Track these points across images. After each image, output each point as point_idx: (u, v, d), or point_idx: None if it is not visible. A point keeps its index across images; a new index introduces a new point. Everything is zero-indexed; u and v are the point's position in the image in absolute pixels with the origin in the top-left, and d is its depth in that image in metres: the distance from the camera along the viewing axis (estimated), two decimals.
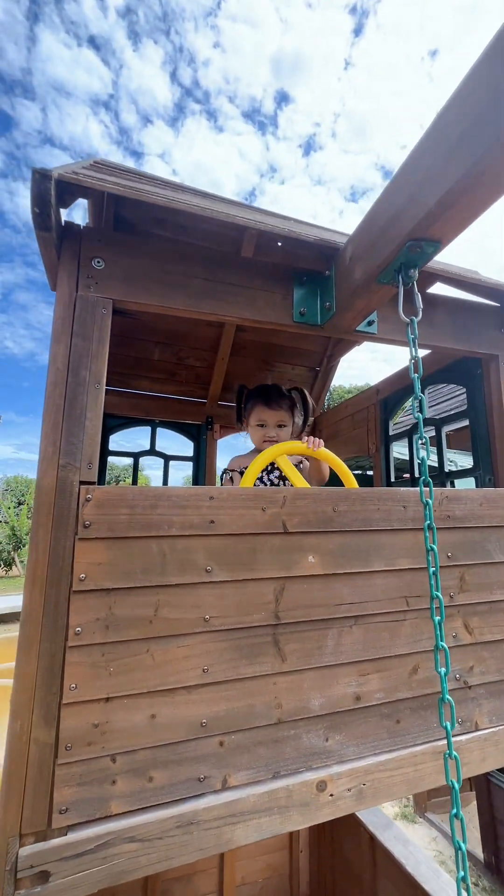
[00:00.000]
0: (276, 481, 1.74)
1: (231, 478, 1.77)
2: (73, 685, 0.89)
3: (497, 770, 2.83)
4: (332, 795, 1.02)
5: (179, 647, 0.98)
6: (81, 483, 0.96)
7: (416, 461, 2.07)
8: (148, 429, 2.54)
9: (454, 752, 0.70)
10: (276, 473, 1.75)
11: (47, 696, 0.87)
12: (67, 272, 1.04)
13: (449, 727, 0.72)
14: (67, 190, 0.97)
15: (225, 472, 1.84)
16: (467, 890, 0.67)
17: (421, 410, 0.86)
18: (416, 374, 0.85)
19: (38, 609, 0.90)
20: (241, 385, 1.91)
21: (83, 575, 0.93)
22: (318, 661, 1.08)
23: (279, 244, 1.18)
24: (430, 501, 0.78)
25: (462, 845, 0.67)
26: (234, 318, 1.19)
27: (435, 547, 0.77)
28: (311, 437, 1.46)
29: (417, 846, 1.95)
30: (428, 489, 0.80)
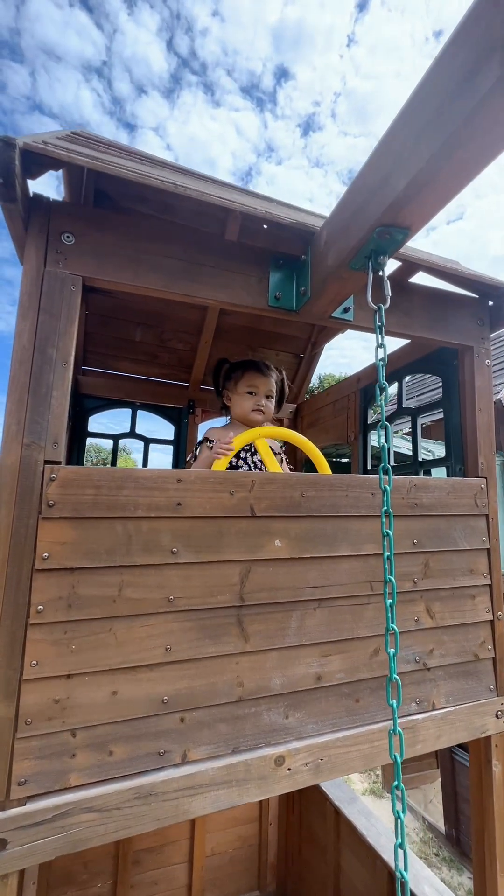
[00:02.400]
0: (258, 464, 1.74)
1: (210, 447, 1.75)
2: (34, 661, 0.90)
3: (460, 747, 2.96)
4: (289, 770, 1.06)
5: (143, 626, 0.99)
6: (46, 462, 0.95)
7: (393, 451, 2.10)
8: (128, 411, 2.51)
9: (398, 729, 0.73)
10: (259, 456, 1.75)
11: (7, 672, 0.88)
12: (35, 246, 1.01)
13: (395, 704, 0.74)
14: (35, 160, 0.94)
15: (202, 441, 1.80)
16: (405, 857, 0.70)
17: (384, 398, 0.86)
18: (381, 363, 0.86)
19: (0, 587, 0.90)
20: (222, 358, 1.87)
21: (46, 554, 0.93)
22: (280, 642, 1.11)
23: (264, 227, 1.16)
24: (388, 488, 0.80)
25: (401, 815, 0.70)
26: (209, 301, 1.18)
27: (391, 532, 0.79)
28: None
29: (379, 819, 2.03)
30: (386, 476, 0.81)
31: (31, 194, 1.02)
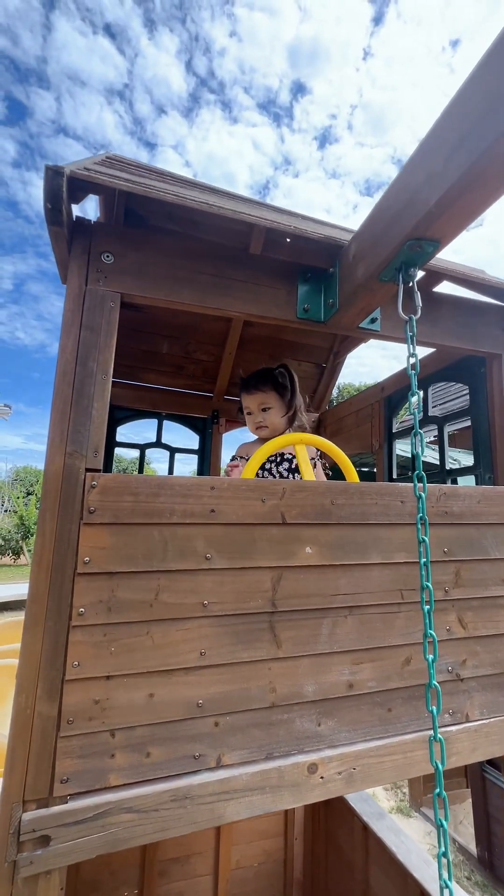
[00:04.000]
0: (284, 473, 1.75)
1: (238, 464, 1.77)
2: (76, 663, 0.93)
3: (491, 766, 2.86)
4: (322, 778, 1.06)
5: (178, 630, 1.01)
6: (87, 470, 1.00)
7: (423, 439, 2.09)
8: (154, 421, 2.57)
9: (439, 735, 0.73)
10: (285, 466, 1.76)
11: (51, 673, 0.92)
12: (78, 266, 1.07)
13: (435, 711, 0.74)
14: (79, 186, 1.00)
15: (232, 458, 1.84)
16: (448, 867, 0.70)
17: (417, 407, 0.88)
18: (413, 372, 0.87)
19: (44, 590, 0.94)
20: (241, 377, 1.90)
21: (87, 558, 0.97)
22: (312, 649, 1.11)
23: (287, 241, 1.20)
24: (423, 495, 0.81)
25: (444, 823, 0.70)
26: (240, 314, 1.22)
27: (427, 539, 0.80)
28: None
29: (409, 837, 1.98)
30: (421, 484, 0.82)
31: (75, 217, 1.08)
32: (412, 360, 0.89)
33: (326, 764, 1.07)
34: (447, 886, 0.66)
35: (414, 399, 0.86)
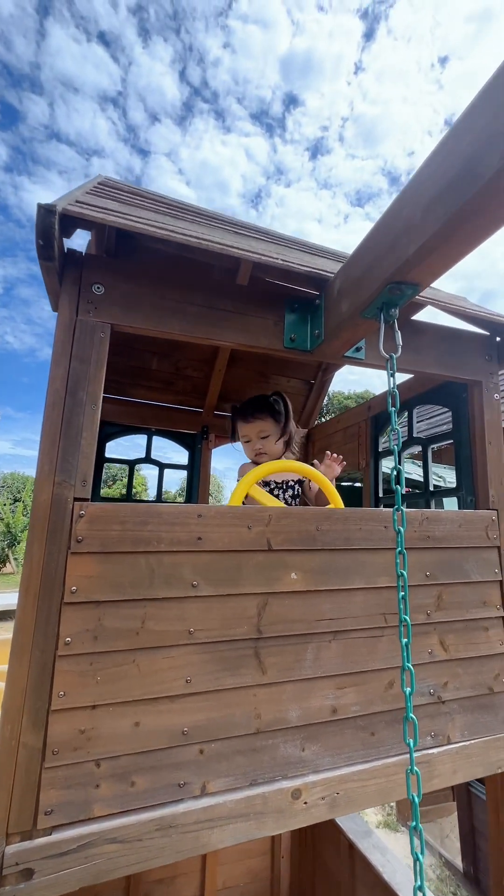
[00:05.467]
0: (289, 501, 1.78)
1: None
2: (62, 692, 0.94)
3: (477, 780, 2.88)
4: (306, 803, 1.07)
5: (164, 658, 1.02)
6: (76, 500, 1.01)
7: (404, 476, 2.13)
8: (144, 437, 2.58)
9: (415, 768, 0.75)
10: (290, 493, 1.79)
11: (37, 703, 0.92)
12: (68, 297, 1.09)
13: (412, 744, 0.77)
14: (70, 222, 1.02)
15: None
16: (421, 879, 0.72)
17: (398, 441, 0.91)
18: (394, 409, 0.91)
19: (31, 619, 0.95)
20: (233, 404, 1.96)
21: (74, 588, 0.98)
22: (297, 674, 1.13)
23: (277, 273, 1.23)
24: (402, 529, 0.84)
25: (420, 856, 0.72)
26: (228, 344, 1.25)
27: (405, 573, 0.82)
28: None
29: (395, 855, 1.99)
30: (400, 516, 0.85)
31: (66, 250, 1.10)
32: (393, 394, 0.92)
33: (310, 789, 1.08)
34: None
35: (392, 434, 0.89)
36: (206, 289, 1.23)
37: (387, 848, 2.01)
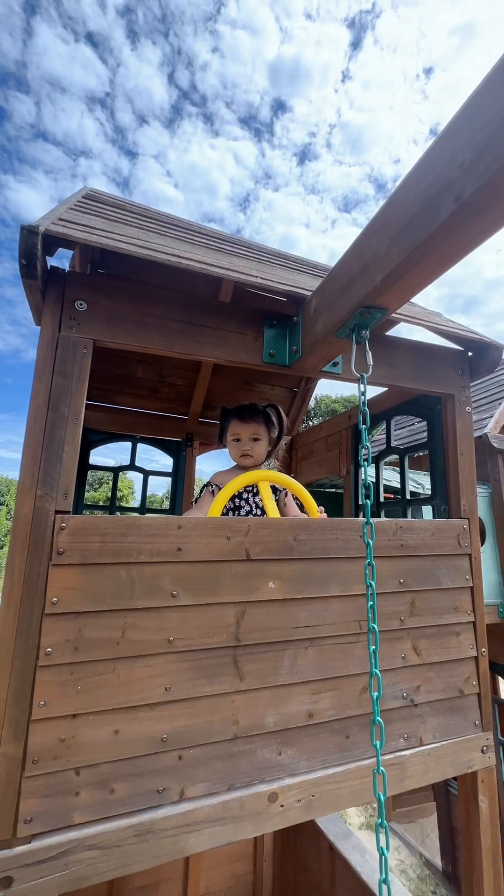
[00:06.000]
0: (259, 503, 1.81)
1: (212, 491, 1.82)
2: (42, 702, 0.96)
3: (456, 781, 2.95)
4: (282, 806, 1.11)
5: (144, 667, 1.05)
6: (57, 512, 1.03)
7: (384, 483, 2.18)
8: (129, 444, 2.60)
9: (381, 769, 0.79)
10: (259, 497, 1.82)
11: (17, 713, 0.94)
12: (51, 313, 1.12)
13: (378, 746, 0.81)
14: (53, 241, 1.05)
15: (207, 485, 1.89)
16: (388, 892, 0.76)
17: (367, 457, 0.95)
18: (364, 426, 0.95)
19: (12, 631, 0.96)
20: (224, 406, 1.98)
21: (55, 599, 1.00)
22: (274, 681, 1.17)
23: (257, 291, 1.27)
24: (371, 542, 0.88)
25: (385, 851, 0.76)
26: (209, 358, 1.28)
27: (373, 583, 0.87)
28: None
29: (374, 855, 2.03)
30: (369, 529, 0.90)
31: (49, 267, 1.13)
32: (364, 412, 0.97)
33: (286, 792, 1.12)
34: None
35: (363, 451, 0.94)
36: (187, 305, 1.26)
37: (366, 849, 2.05)
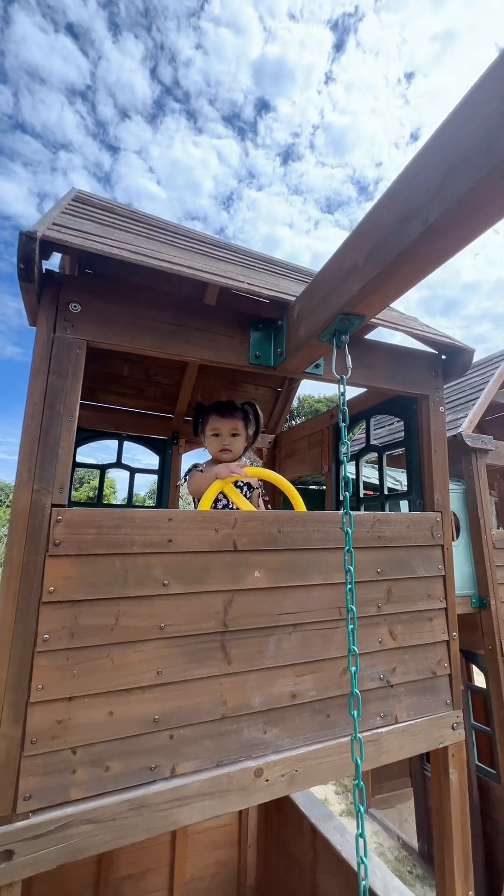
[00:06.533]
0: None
1: (201, 469, 1.85)
2: (40, 686, 1.01)
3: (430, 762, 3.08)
4: (267, 780, 1.18)
5: (136, 652, 1.11)
6: (53, 506, 1.08)
7: (364, 480, 2.28)
8: (115, 442, 2.63)
9: (358, 735, 0.87)
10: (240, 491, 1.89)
11: (16, 696, 0.98)
12: (46, 315, 1.16)
13: (356, 715, 0.89)
14: (50, 246, 1.09)
15: (194, 465, 1.93)
16: (364, 845, 0.84)
17: (346, 454, 1.03)
18: (344, 424, 1.03)
19: (10, 618, 1.01)
20: (198, 402, 2.04)
21: (52, 588, 1.05)
22: (260, 664, 1.24)
23: (243, 296, 1.34)
24: (350, 530, 0.96)
25: (361, 808, 0.84)
26: (197, 359, 1.34)
27: (352, 568, 0.95)
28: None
29: (353, 835, 2.13)
30: (348, 519, 0.97)
31: (45, 271, 1.17)
32: (343, 411, 1.05)
33: (271, 768, 1.19)
34: (363, 862, 0.80)
35: (343, 447, 1.02)
36: (176, 308, 1.32)
37: (346, 829, 2.15)
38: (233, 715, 1.18)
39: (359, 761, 0.87)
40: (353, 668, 0.91)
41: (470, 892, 1.38)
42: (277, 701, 1.24)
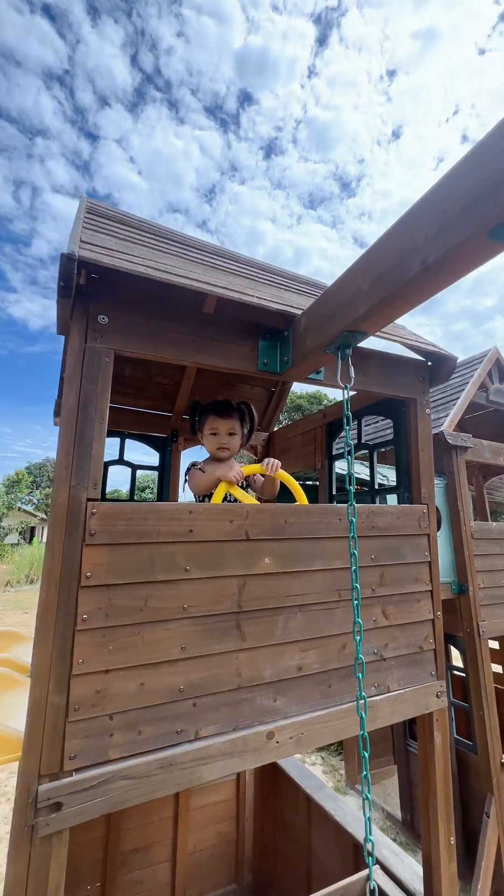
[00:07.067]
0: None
1: (201, 468, 1.98)
2: (81, 660, 1.13)
3: (413, 739, 3.30)
4: (277, 742, 1.33)
5: (163, 630, 1.24)
6: (88, 500, 1.20)
7: (353, 478, 2.45)
8: (117, 440, 2.73)
9: (362, 693, 1.02)
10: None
11: (60, 669, 1.11)
12: (78, 326, 1.27)
13: (360, 676, 1.04)
14: (84, 265, 1.20)
15: (193, 464, 2.06)
16: (366, 768, 0.99)
17: (350, 451, 1.18)
18: (348, 427, 1.18)
19: (54, 602, 1.13)
20: (195, 401, 2.16)
21: (89, 573, 1.17)
22: (270, 640, 1.39)
23: (253, 309, 1.47)
24: (354, 519, 1.11)
25: (365, 754, 1.00)
26: (212, 367, 1.47)
27: (356, 552, 1.10)
28: (269, 460, 1.77)
29: (345, 802, 2.31)
30: (352, 509, 1.13)
31: (77, 286, 1.28)
32: (347, 416, 1.20)
33: (281, 731, 1.34)
34: (367, 798, 0.96)
35: (346, 450, 1.17)
36: (192, 319, 1.45)
37: (337, 797, 2.33)
38: (247, 685, 1.33)
39: (363, 715, 1.03)
40: (359, 637, 1.06)
41: (451, 838, 1.57)
42: (285, 673, 1.40)
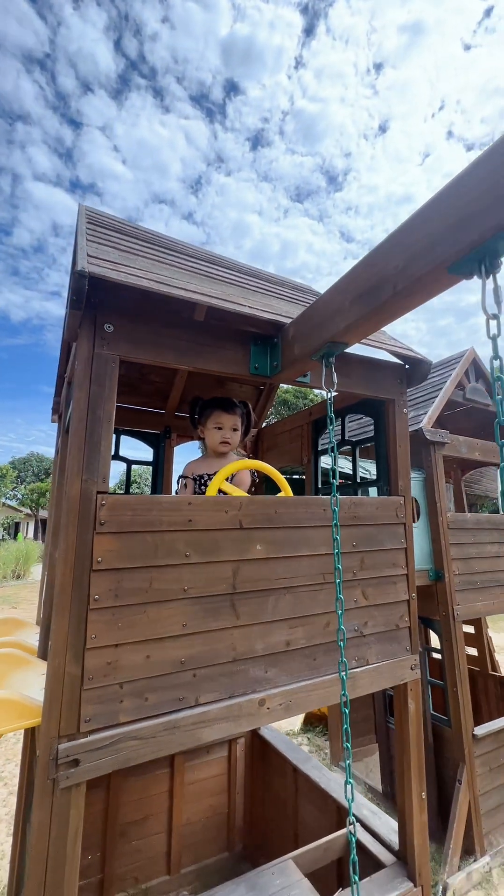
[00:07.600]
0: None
1: (185, 484, 2.14)
2: (93, 636, 1.27)
3: (392, 716, 3.52)
4: (268, 708, 1.49)
5: (166, 609, 1.38)
6: (98, 493, 1.33)
7: (337, 472, 2.61)
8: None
9: (344, 659, 1.18)
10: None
11: (76, 643, 1.24)
12: (87, 334, 1.39)
13: (342, 645, 1.20)
14: (94, 281, 1.32)
15: (180, 477, 2.21)
16: (348, 735, 1.16)
17: (334, 449, 1.33)
18: (331, 427, 1.33)
19: (69, 584, 1.26)
20: (197, 396, 2.29)
21: (100, 559, 1.30)
22: (261, 618, 1.54)
23: (246, 319, 1.60)
24: (337, 509, 1.26)
25: (345, 710, 1.16)
26: (209, 371, 1.61)
27: (338, 536, 1.26)
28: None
29: (330, 773, 2.50)
30: (336, 500, 1.28)
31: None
32: (331, 417, 1.35)
33: (272, 699, 1.50)
34: (347, 748, 1.12)
35: (331, 449, 1.32)
36: (191, 327, 1.57)
37: (322, 767, 2.52)
38: (241, 658, 1.48)
39: (344, 676, 1.19)
40: (340, 612, 1.22)
41: (423, 792, 1.75)
42: (275, 647, 1.55)
